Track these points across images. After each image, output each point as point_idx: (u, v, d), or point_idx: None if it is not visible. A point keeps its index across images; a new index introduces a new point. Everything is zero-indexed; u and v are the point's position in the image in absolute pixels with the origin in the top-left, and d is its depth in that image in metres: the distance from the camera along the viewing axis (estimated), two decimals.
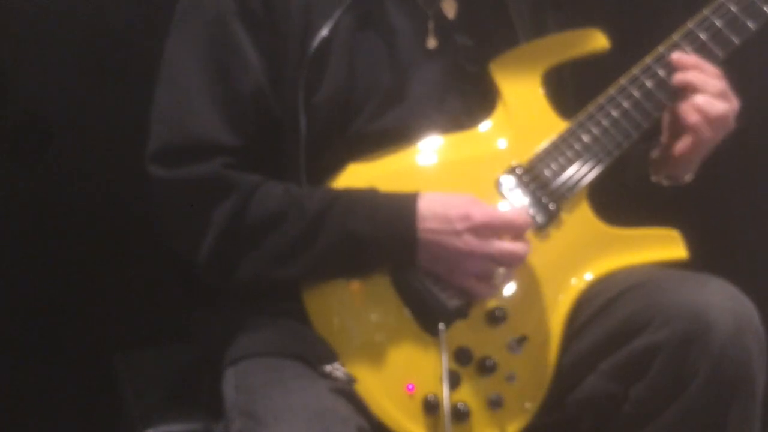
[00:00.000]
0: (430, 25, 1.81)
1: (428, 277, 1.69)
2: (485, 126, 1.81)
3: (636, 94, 1.77)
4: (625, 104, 1.77)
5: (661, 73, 1.77)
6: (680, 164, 1.80)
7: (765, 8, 1.78)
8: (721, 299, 1.63)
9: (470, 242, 1.66)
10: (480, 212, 1.67)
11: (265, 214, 1.69)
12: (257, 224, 1.69)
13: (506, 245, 1.67)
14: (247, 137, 1.73)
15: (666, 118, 1.79)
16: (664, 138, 1.80)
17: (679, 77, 1.74)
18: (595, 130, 1.77)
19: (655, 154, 1.83)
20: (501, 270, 1.68)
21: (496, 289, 1.70)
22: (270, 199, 1.70)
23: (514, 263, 1.69)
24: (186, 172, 1.71)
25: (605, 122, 1.77)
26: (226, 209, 1.69)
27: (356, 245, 1.67)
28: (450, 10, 1.83)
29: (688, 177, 1.83)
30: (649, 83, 1.77)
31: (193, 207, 1.71)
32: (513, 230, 1.68)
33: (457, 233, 1.66)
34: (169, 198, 1.73)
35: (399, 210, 1.68)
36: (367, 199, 1.69)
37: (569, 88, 1.87)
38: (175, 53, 1.77)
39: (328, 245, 1.67)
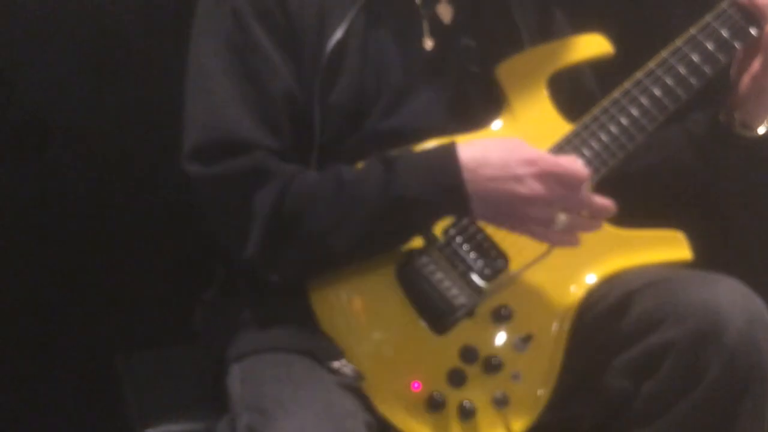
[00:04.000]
0: (425, 26, 1.82)
1: (434, 274, 1.69)
2: (491, 128, 1.81)
3: (640, 97, 1.78)
4: (630, 108, 1.78)
5: (666, 78, 1.78)
6: (752, 102, 1.79)
7: None
8: (733, 297, 1.64)
9: (534, 186, 1.62)
10: (547, 157, 1.64)
11: (306, 194, 1.68)
12: (300, 205, 1.67)
13: (574, 192, 1.63)
14: (281, 136, 1.73)
15: (738, 61, 1.81)
16: (735, 74, 1.82)
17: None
18: (599, 133, 1.77)
19: (730, 98, 1.83)
20: (563, 216, 1.64)
21: (567, 236, 1.67)
22: (309, 180, 1.69)
23: (577, 207, 1.65)
24: (225, 167, 1.69)
25: (610, 125, 1.77)
26: (269, 196, 1.68)
27: (403, 208, 1.65)
28: (446, 14, 1.84)
29: (760, 127, 1.82)
30: (653, 88, 1.78)
31: (237, 199, 1.69)
32: (576, 181, 1.64)
33: (519, 178, 1.63)
34: (210, 194, 1.72)
35: (440, 163, 1.65)
36: (404, 159, 1.67)
37: (575, 91, 1.89)
38: (201, 60, 1.77)
39: (372, 213, 1.65)
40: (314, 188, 1.68)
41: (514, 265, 1.73)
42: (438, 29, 1.83)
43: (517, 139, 1.68)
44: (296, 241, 1.68)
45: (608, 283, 1.75)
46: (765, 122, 1.83)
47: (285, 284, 1.71)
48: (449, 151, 1.65)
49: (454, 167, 1.64)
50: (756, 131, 1.83)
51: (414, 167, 1.66)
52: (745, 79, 1.80)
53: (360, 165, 1.69)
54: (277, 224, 1.68)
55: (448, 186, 1.64)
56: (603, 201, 1.67)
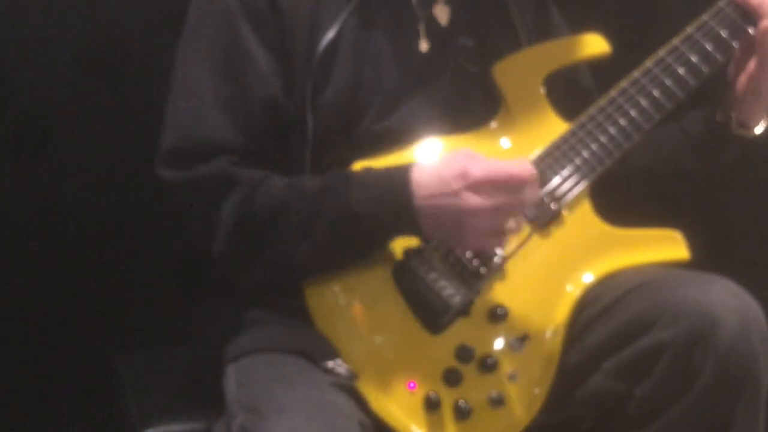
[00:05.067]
0: (421, 28, 1.82)
1: (430, 273, 1.69)
2: (489, 128, 1.82)
3: (637, 97, 1.78)
4: (626, 107, 1.78)
5: (662, 77, 1.78)
6: (749, 102, 1.79)
7: None
8: (726, 298, 1.63)
9: (470, 200, 1.61)
10: (478, 167, 1.62)
11: (270, 204, 1.69)
12: (263, 215, 1.69)
13: (510, 196, 1.62)
14: (256, 140, 1.73)
15: (735, 60, 1.80)
16: (732, 74, 1.81)
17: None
18: (596, 132, 1.77)
19: (727, 97, 1.82)
20: (512, 223, 1.64)
21: (507, 238, 1.67)
22: (274, 190, 1.70)
23: (522, 209, 1.66)
24: (193, 173, 1.71)
25: (606, 124, 1.77)
26: (233, 204, 1.69)
27: (357, 224, 1.66)
28: (442, 16, 1.84)
29: (757, 127, 1.81)
30: (650, 87, 1.78)
31: (202, 205, 1.71)
32: (517, 183, 1.62)
33: (455, 193, 1.62)
34: (180, 198, 1.74)
35: (393, 183, 1.66)
36: (360, 176, 1.68)
37: (573, 91, 1.89)
38: (186, 60, 1.78)
39: (330, 227, 1.66)
40: (277, 199, 1.69)
41: (510, 264, 1.73)
42: (434, 30, 1.82)
43: (463, 150, 1.66)
44: (259, 251, 1.69)
45: (602, 283, 1.75)
46: (762, 122, 1.82)
47: (257, 288, 1.73)
48: (403, 174, 1.65)
49: (405, 190, 1.64)
50: (753, 131, 1.82)
51: (370, 186, 1.66)
52: (742, 79, 1.79)
53: (322, 177, 1.70)
54: (240, 233, 1.69)
55: (398, 208, 1.64)
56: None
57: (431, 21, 1.83)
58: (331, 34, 1.75)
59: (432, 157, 1.69)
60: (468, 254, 1.71)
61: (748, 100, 1.79)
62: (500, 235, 1.64)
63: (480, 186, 1.61)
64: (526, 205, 1.66)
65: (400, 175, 1.65)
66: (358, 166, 1.73)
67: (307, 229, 1.67)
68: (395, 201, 1.64)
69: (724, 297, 1.63)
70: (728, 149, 1.83)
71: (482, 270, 1.71)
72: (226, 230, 1.69)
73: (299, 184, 1.70)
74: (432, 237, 1.67)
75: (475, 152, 1.65)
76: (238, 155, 1.71)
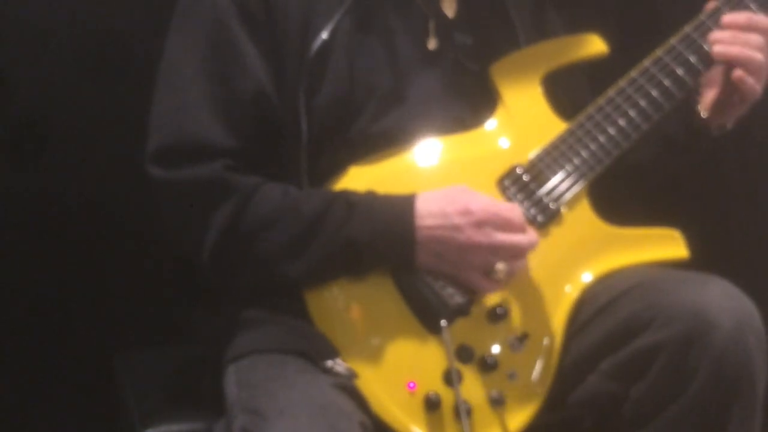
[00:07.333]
0: (431, 26, 1.82)
1: (430, 274, 1.69)
2: (486, 127, 1.81)
3: (635, 96, 1.78)
4: (625, 106, 1.78)
5: (661, 77, 1.78)
6: (730, 113, 1.80)
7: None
8: (722, 299, 1.63)
9: (473, 236, 1.66)
10: (480, 207, 1.67)
11: (263, 216, 1.69)
12: (255, 226, 1.69)
13: (510, 237, 1.68)
14: (248, 139, 1.73)
15: (706, 81, 1.80)
16: (706, 98, 1.80)
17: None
18: (594, 131, 1.78)
19: (702, 111, 1.82)
20: (501, 265, 1.68)
21: (500, 284, 1.70)
22: (268, 202, 1.70)
23: (518, 255, 1.69)
24: (186, 174, 1.71)
25: (605, 124, 1.78)
26: (225, 212, 1.69)
27: (354, 251, 1.67)
28: (450, 9, 1.84)
29: (730, 123, 1.83)
30: (648, 87, 1.78)
31: (193, 209, 1.71)
32: (510, 227, 1.68)
33: (458, 228, 1.66)
34: (169, 199, 1.74)
35: (396, 214, 1.68)
36: (363, 203, 1.69)
37: (571, 91, 1.89)
38: (174, 56, 1.77)
39: (326, 250, 1.68)
40: (272, 213, 1.70)
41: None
42: (443, 28, 1.82)
43: (463, 187, 1.71)
44: (247, 261, 1.70)
45: (599, 283, 1.75)
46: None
47: (256, 289, 1.73)
48: (407, 205, 1.68)
49: (408, 223, 1.67)
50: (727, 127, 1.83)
51: (372, 215, 1.68)
52: (711, 93, 1.80)
53: (322, 197, 1.71)
54: (231, 241, 1.70)
55: (397, 239, 1.67)
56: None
57: (440, 16, 1.82)
58: (324, 35, 1.74)
59: (431, 191, 1.71)
60: None
61: (718, 111, 1.80)
62: (489, 274, 1.68)
63: (481, 224, 1.66)
64: (523, 252, 1.69)
65: (405, 208, 1.68)
66: (355, 168, 1.74)
67: (301, 249, 1.68)
68: (396, 232, 1.67)
69: (719, 298, 1.63)
70: (701, 146, 1.84)
71: None
72: (216, 237, 1.69)
73: (296, 199, 1.70)
74: (424, 265, 1.69)
75: (469, 188, 1.70)
76: (232, 158, 1.71)
